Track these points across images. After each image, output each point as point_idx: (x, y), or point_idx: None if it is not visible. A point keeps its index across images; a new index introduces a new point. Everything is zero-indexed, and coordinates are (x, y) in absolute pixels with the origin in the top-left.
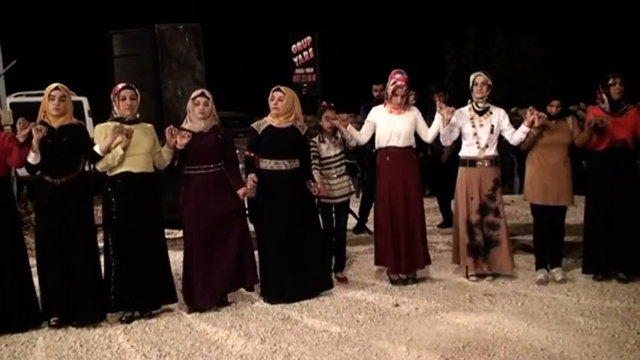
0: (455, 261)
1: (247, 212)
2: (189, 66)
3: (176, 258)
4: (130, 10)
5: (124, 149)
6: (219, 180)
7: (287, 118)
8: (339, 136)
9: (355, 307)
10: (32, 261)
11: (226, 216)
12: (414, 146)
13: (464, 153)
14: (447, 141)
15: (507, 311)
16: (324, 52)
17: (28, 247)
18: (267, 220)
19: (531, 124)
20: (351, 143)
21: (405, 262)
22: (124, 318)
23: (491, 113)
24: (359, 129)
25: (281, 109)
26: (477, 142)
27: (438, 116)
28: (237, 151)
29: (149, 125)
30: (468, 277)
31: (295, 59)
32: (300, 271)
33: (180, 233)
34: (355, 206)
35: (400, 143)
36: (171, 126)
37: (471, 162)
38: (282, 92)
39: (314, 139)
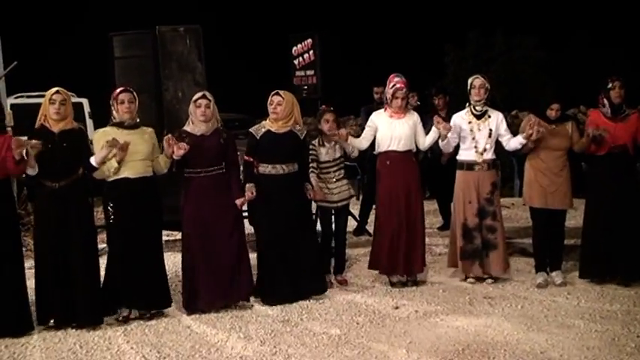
0: (450, 264)
1: (247, 215)
2: (190, 67)
3: (177, 259)
4: (131, 12)
5: (119, 162)
6: (220, 183)
7: (286, 123)
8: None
9: (355, 310)
10: (30, 262)
11: (226, 220)
12: (414, 150)
13: (462, 156)
14: (447, 149)
15: (507, 314)
16: (325, 54)
17: (28, 249)
18: (264, 224)
19: (529, 137)
20: (353, 154)
21: (403, 264)
22: (120, 318)
23: (489, 117)
24: (359, 131)
25: (280, 113)
26: (475, 146)
27: (434, 129)
28: (238, 154)
29: (149, 130)
30: (466, 279)
31: (296, 61)
32: (295, 273)
33: (180, 235)
34: (355, 209)
35: (400, 147)
36: (170, 135)
37: (469, 166)
38: (282, 96)
39: (313, 142)
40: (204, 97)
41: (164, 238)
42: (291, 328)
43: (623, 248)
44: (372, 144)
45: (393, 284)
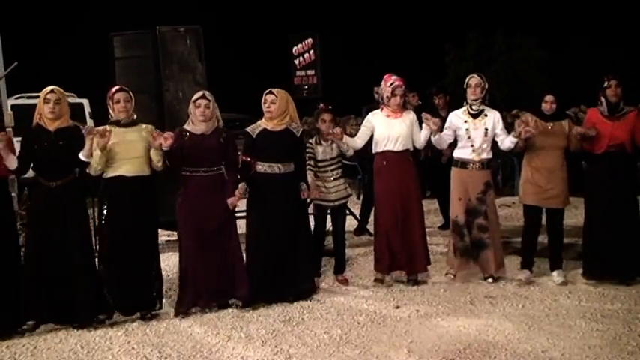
0: (449, 264)
1: (245, 214)
2: (190, 68)
3: (177, 259)
4: (131, 12)
5: (102, 150)
6: (218, 183)
7: (281, 121)
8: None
9: (356, 309)
10: None
11: (222, 221)
12: (411, 149)
13: (457, 154)
14: (440, 146)
15: (508, 313)
16: (325, 53)
17: None
18: (258, 223)
19: (518, 136)
20: (348, 153)
21: (405, 264)
22: (96, 319)
23: (486, 116)
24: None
25: (274, 111)
26: (472, 145)
27: (425, 127)
28: (239, 153)
29: (148, 127)
30: (453, 276)
31: (296, 61)
32: (284, 274)
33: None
34: (356, 208)
35: (397, 147)
36: (152, 127)
37: (463, 164)
38: (275, 95)
39: (310, 141)
40: (203, 96)
41: (165, 238)
42: (292, 328)
43: (621, 247)
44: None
45: (375, 280)
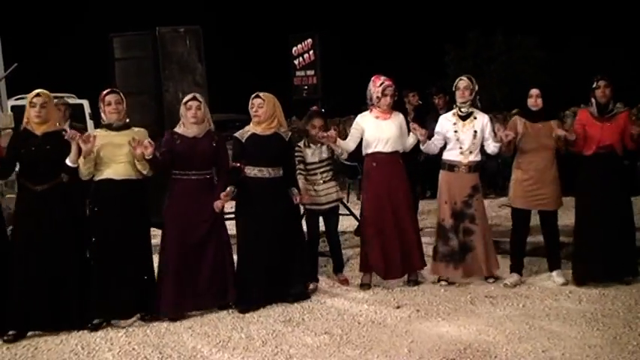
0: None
1: (234, 217)
2: (190, 68)
3: None
4: (131, 13)
5: (85, 156)
6: (207, 187)
7: (269, 125)
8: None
9: (356, 310)
10: None
11: (210, 225)
12: (401, 151)
13: (445, 156)
14: (431, 152)
15: (509, 313)
16: (325, 54)
17: None
18: (248, 227)
19: (500, 141)
20: (342, 156)
21: (398, 265)
22: (90, 325)
23: (475, 118)
24: None
25: (262, 115)
26: (460, 148)
27: (412, 134)
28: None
29: (141, 130)
30: (439, 281)
31: (296, 61)
32: (275, 279)
33: None
34: (357, 208)
35: (387, 148)
36: (132, 138)
37: (450, 166)
38: (262, 99)
39: (299, 144)
40: (194, 99)
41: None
42: (292, 329)
43: (612, 248)
44: None
45: (362, 285)
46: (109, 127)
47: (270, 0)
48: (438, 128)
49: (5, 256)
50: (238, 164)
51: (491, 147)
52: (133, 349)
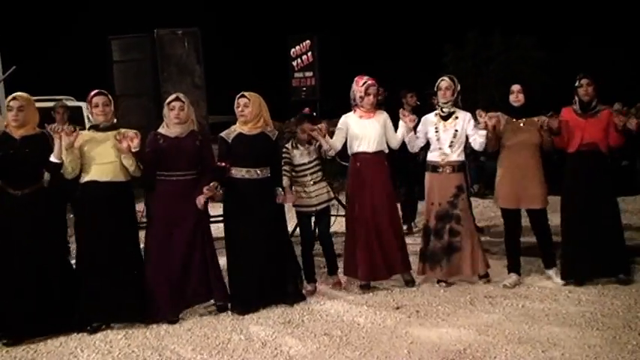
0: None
1: (222, 219)
2: (189, 70)
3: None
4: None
5: (68, 148)
6: (190, 188)
7: (255, 124)
8: (314, 143)
9: (356, 311)
10: None
11: (193, 228)
12: (386, 150)
13: (429, 158)
14: (412, 148)
15: (508, 313)
16: (324, 55)
17: None
18: (236, 229)
19: (485, 127)
20: (330, 153)
21: (381, 267)
22: (89, 328)
23: (456, 118)
24: None
25: (248, 115)
26: (440, 148)
27: (402, 123)
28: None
29: (129, 132)
30: (445, 283)
31: (294, 63)
32: (268, 281)
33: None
34: None
35: (371, 148)
36: (118, 131)
37: (434, 167)
38: (247, 98)
39: (287, 146)
40: (177, 99)
41: None
42: (292, 330)
43: (598, 247)
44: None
45: (361, 287)
46: (96, 128)
47: (269, 1)
48: (420, 128)
49: None
50: (224, 164)
51: (478, 139)
52: (133, 351)
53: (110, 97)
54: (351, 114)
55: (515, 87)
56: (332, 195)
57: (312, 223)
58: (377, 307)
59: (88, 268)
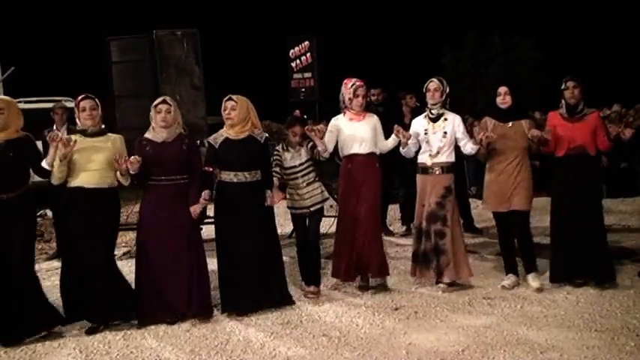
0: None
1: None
2: (188, 71)
3: None
4: (128, 16)
5: (62, 159)
6: (180, 193)
7: (243, 128)
8: (305, 145)
9: (354, 311)
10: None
11: (183, 231)
12: (378, 152)
13: (419, 160)
14: (409, 155)
15: (507, 314)
16: (322, 56)
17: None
18: (226, 233)
19: (480, 142)
20: (325, 154)
21: (354, 268)
22: (88, 328)
23: (445, 120)
24: None
25: (235, 118)
26: (430, 150)
27: (394, 136)
28: None
29: (117, 137)
30: (446, 285)
31: (293, 64)
32: (255, 286)
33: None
34: None
35: (363, 150)
36: (118, 154)
37: (424, 169)
38: (235, 101)
39: (277, 148)
40: (164, 102)
41: None
42: (290, 331)
43: (584, 250)
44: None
45: (360, 287)
46: (84, 133)
47: (268, 2)
48: (411, 130)
49: None
50: (211, 169)
51: (468, 148)
52: (131, 352)
53: (97, 101)
54: (340, 116)
55: (503, 89)
56: (326, 196)
57: (307, 225)
58: (375, 308)
59: (73, 270)
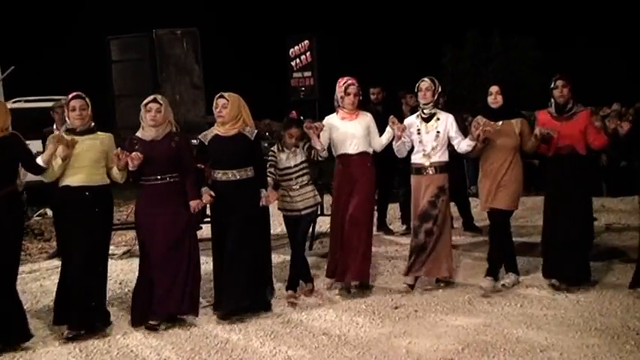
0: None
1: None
2: (187, 70)
3: None
4: (128, 15)
5: (64, 159)
6: (172, 191)
7: (233, 125)
8: (301, 146)
9: (354, 310)
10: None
11: (177, 230)
12: (370, 152)
13: (412, 160)
14: (402, 153)
15: (507, 313)
16: (322, 55)
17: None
18: (217, 232)
19: (477, 138)
20: (323, 154)
21: (341, 269)
22: (70, 335)
23: (438, 119)
24: None
25: (226, 116)
26: (423, 150)
27: (389, 129)
28: None
29: (106, 136)
30: (446, 283)
31: (293, 63)
32: (245, 287)
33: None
34: None
35: (354, 149)
36: (119, 149)
37: (417, 169)
38: (226, 99)
39: (272, 149)
40: (154, 100)
41: None
42: (290, 329)
43: (571, 249)
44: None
45: (360, 285)
46: (73, 132)
47: (268, 1)
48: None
49: None
50: (202, 166)
51: (464, 146)
52: (132, 351)
53: (88, 100)
54: (333, 115)
55: (494, 88)
56: (319, 199)
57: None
58: (375, 306)
59: (66, 268)
